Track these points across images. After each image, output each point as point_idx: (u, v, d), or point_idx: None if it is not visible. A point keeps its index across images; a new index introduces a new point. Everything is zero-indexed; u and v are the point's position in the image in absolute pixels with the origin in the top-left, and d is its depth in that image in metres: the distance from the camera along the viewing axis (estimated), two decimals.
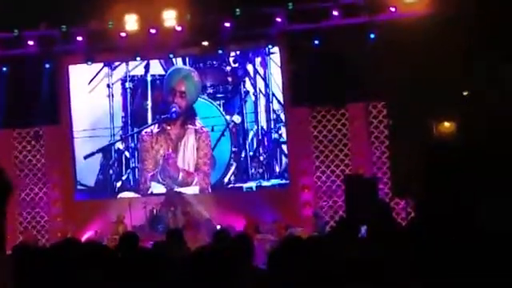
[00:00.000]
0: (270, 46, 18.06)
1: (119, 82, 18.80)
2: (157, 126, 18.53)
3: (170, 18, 16.88)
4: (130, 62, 18.67)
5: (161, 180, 18.40)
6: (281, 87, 18.09)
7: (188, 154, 18.32)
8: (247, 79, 18.40)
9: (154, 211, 17.80)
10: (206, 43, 17.25)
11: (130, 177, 18.70)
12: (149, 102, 18.70)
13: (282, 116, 18.17)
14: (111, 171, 18.75)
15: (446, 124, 13.43)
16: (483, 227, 4.24)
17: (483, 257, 3.85)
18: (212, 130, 18.27)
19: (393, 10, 16.01)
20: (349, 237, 6.37)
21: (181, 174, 18.30)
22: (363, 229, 7.68)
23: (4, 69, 17.99)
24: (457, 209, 5.11)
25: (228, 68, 18.52)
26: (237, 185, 18.32)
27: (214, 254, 3.69)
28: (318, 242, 5.88)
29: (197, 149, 18.27)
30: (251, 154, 18.26)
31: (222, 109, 18.39)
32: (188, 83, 18.43)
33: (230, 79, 18.48)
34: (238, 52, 18.46)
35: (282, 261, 4.56)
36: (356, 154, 17.43)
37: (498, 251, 3.88)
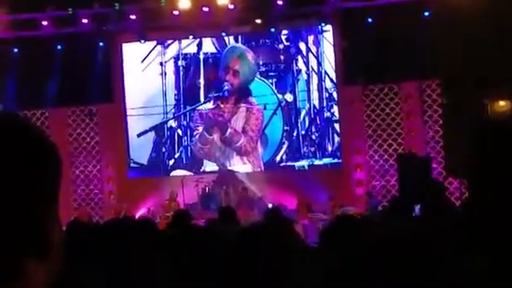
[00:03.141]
0: (322, 24, 17.93)
1: (172, 60, 18.88)
2: (211, 103, 18.53)
3: None
4: (183, 41, 18.73)
5: (208, 136, 18.33)
6: (333, 66, 17.97)
7: (239, 121, 18.29)
8: (299, 57, 18.32)
9: (207, 189, 17.86)
10: (258, 21, 17.19)
11: (183, 155, 18.79)
12: (201, 81, 18.74)
13: (335, 94, 18.05)
14: (164, 149, 18.86)
15: (502, 103, 13.19)
16: None
17: None
18: (264, 108, 18.24)
19: None
20: (402, 215, 6.29)
21: (229, 130, 18.27)
22: (417, 208, 7.59)
23: (58, 47, 18.18)
24: (508, 189, 5.00)
25: (280, 46, 18.45)
26: (289, 163, 18.30)
27: (261, 230, 3.66)
28: (370, 221, 5.81)
29: (247, 119, 18.24)
30: (303, 132, 18.20)
31: (274, 87, 18.35)
32: (242, 62, 18.42)
33: (282, 57, 18.41)
34: (290, 30, 18.36)
35: (334, 238, 4.52)
36: (409, 133, 17.27)
37: None
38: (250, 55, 18.44)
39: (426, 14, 16.23)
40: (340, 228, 4.86)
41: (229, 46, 18.62)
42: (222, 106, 18.45)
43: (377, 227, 5.29)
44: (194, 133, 18.58)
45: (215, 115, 18.34)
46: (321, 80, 18.15)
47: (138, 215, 17.70)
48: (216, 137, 18.35)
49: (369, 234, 4.56)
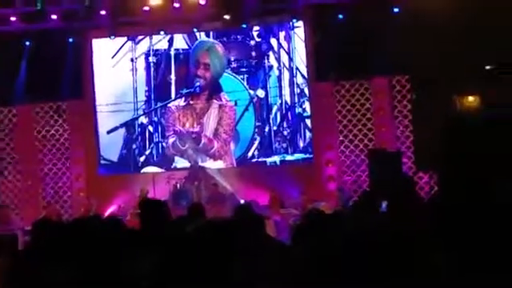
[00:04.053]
0: (294, 20, 17.95)
1: (143, 56, 18.78)
2: (183, 100, 18.48)
3: None
4: (154, 36, 18.64)
5: (180, 147, 18.33)
6: (305, 61, 18.01)
7: (210, 123, 18.29)
8: (271, 53, 18.33)
9: (178, 186, 17.81)
10: (227, 17, 17.14)
11: (154, 151, 18.72)
12: (172, 77, 18.67)
13: (306, 90, 18.09)
14: (135, 146, 18.76)
15: (470, 98, 13.29)
16: (504, 200, 4.15)
17: (501, 229, 3.77)
18: (235, 104, 18.23)
19: None
20: (369, 212, 6.32)
21: (202, 141, 18.26)
22: (384, 204, 7.62)
23: (27, 43, 18.01)
24: (476, 183, 5.04)
25: (252, 42, 18.44)
26: (261, 159, 18.31)
27: (217, 228, 3.65)
28: (339, 216, 5.83)
29: (220, 118, 18.24)
30: (275, 128, 18.22)
31: (245, 83, 18.34)
32: (212, 55, 18.38)
33: (253, 53, 18.41)
34: (261, 26, 18.35)
35: (305, 235, 4.53)
36: (380, 129, 17.37)
37: None
38: (219, 48, 18.41)
39: (396, 10, 16.31)
40: (310, 224, 4.87)
41: (197, 41, 18.57)
42: (193, 102, 18.39)
43: (344, 224, 5.31)
44: (166, 134, 18.50)
45: (189, 132, 18.28)
46: (292, 76, 18.18)
47: (108, 212, 17.64)
48: (189, 146, 18.31)
49: (337, 231, 4.58)
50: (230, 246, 3.54)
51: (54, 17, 17.35)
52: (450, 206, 4.39)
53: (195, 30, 18.19)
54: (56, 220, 12.32)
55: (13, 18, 17.36)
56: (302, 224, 4.69)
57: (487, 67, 12.93)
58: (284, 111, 18.27)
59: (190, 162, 18.38)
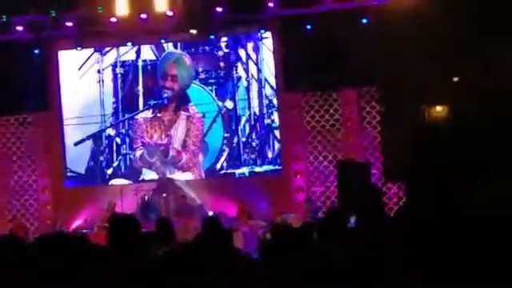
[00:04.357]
0: (262, 31, 17.94)
1: (110, 68, 18.64)
2: (151, 112, 18.37)
3: (161, 2, 16.68)
4: (121, 48, 18.53)
5: (149, 159, 18.21)
6: (273, 72, 17.99)
7: (178, 135, 18.20)
8: (239, 64, 18.30)
9: (146, 198, 17.68)
10: (194, 31, 17.07)
11: (121, 164, 18.57)
12: (140, 88, 18.56)
13: (275, 101, 18.07)
14: (102, 158, 18.60)
15: (438, 108, 13.35)
16: (471, 210, 4.13)
17: (469, 239, 3.74)
18: (203, 116, 18.16)
19: None
20: (337, 230, 6.23)
21: (170, 153, 18.15)
22: (352, 219, 7.56)
23: None
24: (444, 193, 5.01)
25: (220, 53, 18.40)
26: (229, 171, 18.24)
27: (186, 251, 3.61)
28: (306, 235, 5.74)
29: (187, 130, 18.15)
30: (244, 139, 18.17)
31: (214, 94, 18.28)
32: (179, 67, 18.31)
33: (222, 64, 18.35)
34: (230, 37, 18.32)
35: (273, 253, 4.49)
36: (348, 139, 17.38)
37: (485, 234, 3.79)
38: (186, 59, 18.34)
39: (364, 21, 16.37)
40: (278, 242, 4.81)
41: (164, 53, 18.49)
42: (159, 114, 18.29)
43: (312, 243, 5.22)
44: (134, 146, 18.36)
45: (157, 144, 18.16)
46: (261, 87, 18.15)
47: (74, 225, 17.47)
48: (157, 158, 18.19)
49: (304, 256, 4.53)
50: (198, 267, 3.50)
51: (19, 28, 17.15)
52: (417, 218, 4.35)
53: (163, 41, 18.11)
54: (22, 235, 12.10)
55: None
56: (269, 241, 4.65)
57: (455, 79, 13.00)
58: (253, 122, 18.23)
59: (158, 174, 18.26)
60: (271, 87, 18.09)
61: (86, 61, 18.57)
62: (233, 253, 5.89)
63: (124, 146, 18.56)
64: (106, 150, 18.61)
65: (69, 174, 18.67)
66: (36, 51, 17.91)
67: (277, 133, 18.06)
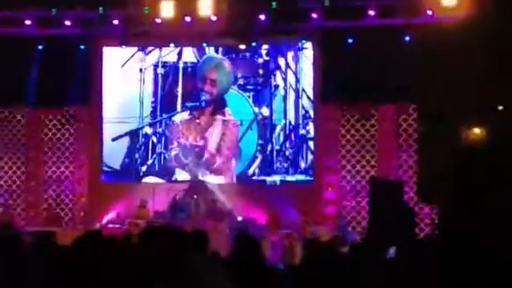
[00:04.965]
0: (303, 41, 18.03)
1: (151, 68, 18.85)
2: (187, 113, 18.55)
3: (205, 6, 16.85)
4: (164, 48, 18.72)
5: (183, 160, 18.38)
6: (311, 83, 18.07)
7: (214, 138, 18.34)
8: (278, 73, 18.41)
9: (177, 198, 17.79)
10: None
11: (156, 162, 18.75)
12: (179, 89, 18.74)
13: (311, 112, 18.15)
14: (137, 155, 18.79)
15: (476, 130, 13.33)
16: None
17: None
18: (241, 124, 18.28)
19: (429, 13, 15.91)
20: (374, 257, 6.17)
21: (205, 155, 18.30)
22: (392, 250, 7.46)
23: (40, 47, 18.02)
24: (484, 220, 5.08)
25: (260, 60, 18.52)
26: (261, 177, 18.34)
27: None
28: (343, 263, 5.65)
29: (223, 134, 18.29)
30: (277, 147, 18.28)
31: (251, 101, 18.41)
32: (219, 72, 18.46)
33: (261, 71, 18.49)
34: (270, 45, 18.43)
35: (307, 275, 4.55)
36: (383, 156, 17.36)
37: None
38: (227, 64, 18.50)
39: (407, 38, 16.38)
40: (315, 262, 4.86)
41: (205, 56, 18.65)
42: (197, 116, 18.43)
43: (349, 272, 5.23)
44: (169, 147, 18.55)
45: (192, 146, 18.32)
46: (298, 97, 18.25)
47: (106, 219, 17.68)
48: (191, 159, 18.34)
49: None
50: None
51: (67, 23, 17.38)
52: (455, 250, 4.44)
53: (205, 44, 18.28)
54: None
55: (27, 22, 17.38)
56: (308, 259, 4.72)
57: (500, 107, 13.00)
58: (287, 131, 18.33)
59: (190, 175, 18.40)
60: (308, 98, 18.18)
61: (129, 59, 18.78)
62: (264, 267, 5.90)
63: (159, 145, 18.74)
64: (142, 148, 18.81)
65: (104, 168, 18.90)
66: (82, 46, 18.15)
67: (311, 144, 18.13)
